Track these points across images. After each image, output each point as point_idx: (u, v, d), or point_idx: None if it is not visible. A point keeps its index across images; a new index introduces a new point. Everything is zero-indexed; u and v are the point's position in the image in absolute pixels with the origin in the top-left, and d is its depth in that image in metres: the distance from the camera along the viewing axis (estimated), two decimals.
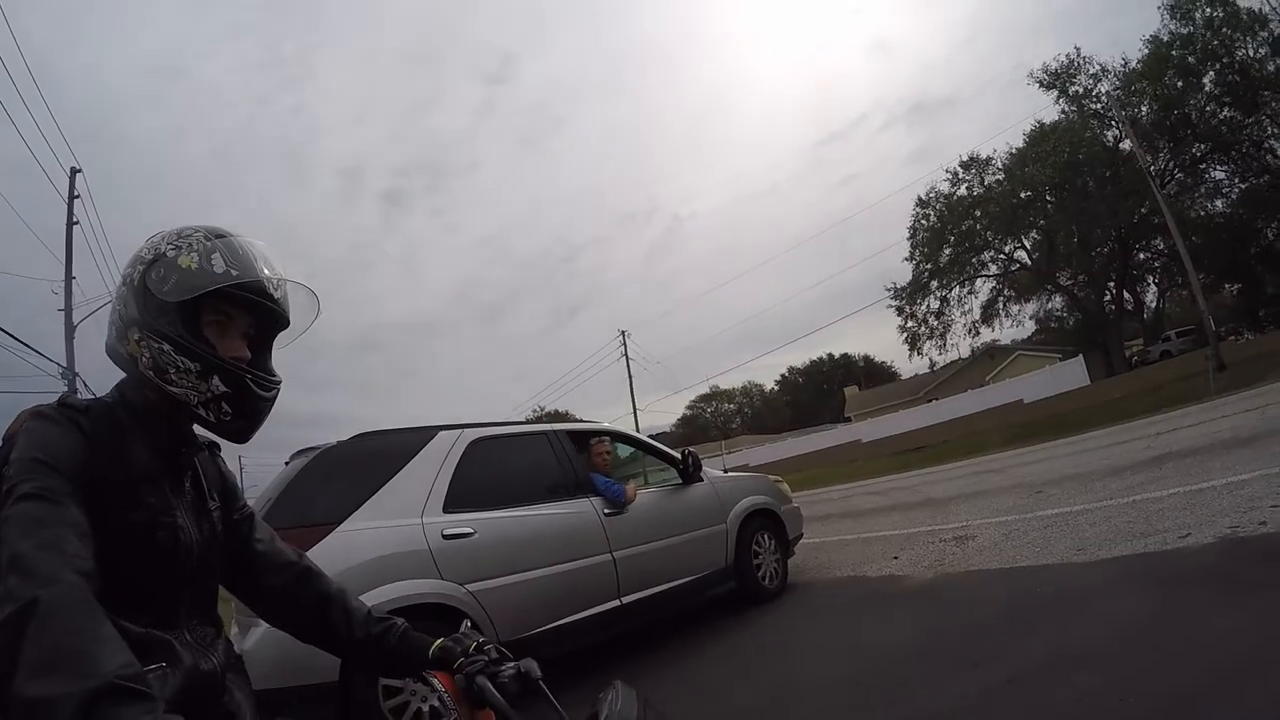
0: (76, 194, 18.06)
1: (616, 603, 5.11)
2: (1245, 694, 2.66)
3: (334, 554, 4.00)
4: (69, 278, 17.64)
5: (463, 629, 1.41)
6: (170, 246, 1.20)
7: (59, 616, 0.83)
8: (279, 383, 1.29)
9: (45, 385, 16.55)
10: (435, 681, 1.28)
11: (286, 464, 4.79)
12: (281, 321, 1.31)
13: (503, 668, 1.26)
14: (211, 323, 1.21)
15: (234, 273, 1.19)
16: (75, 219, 18.02)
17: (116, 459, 1.13)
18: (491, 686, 1.21)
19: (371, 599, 3.91)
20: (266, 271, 1.23)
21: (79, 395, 1.23)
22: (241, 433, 1.27)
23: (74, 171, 18.08)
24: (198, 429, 1.28)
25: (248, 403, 1.23)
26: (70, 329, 18.04)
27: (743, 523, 6.35)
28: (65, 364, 17.36)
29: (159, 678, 1.06)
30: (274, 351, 1.34)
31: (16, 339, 15.33)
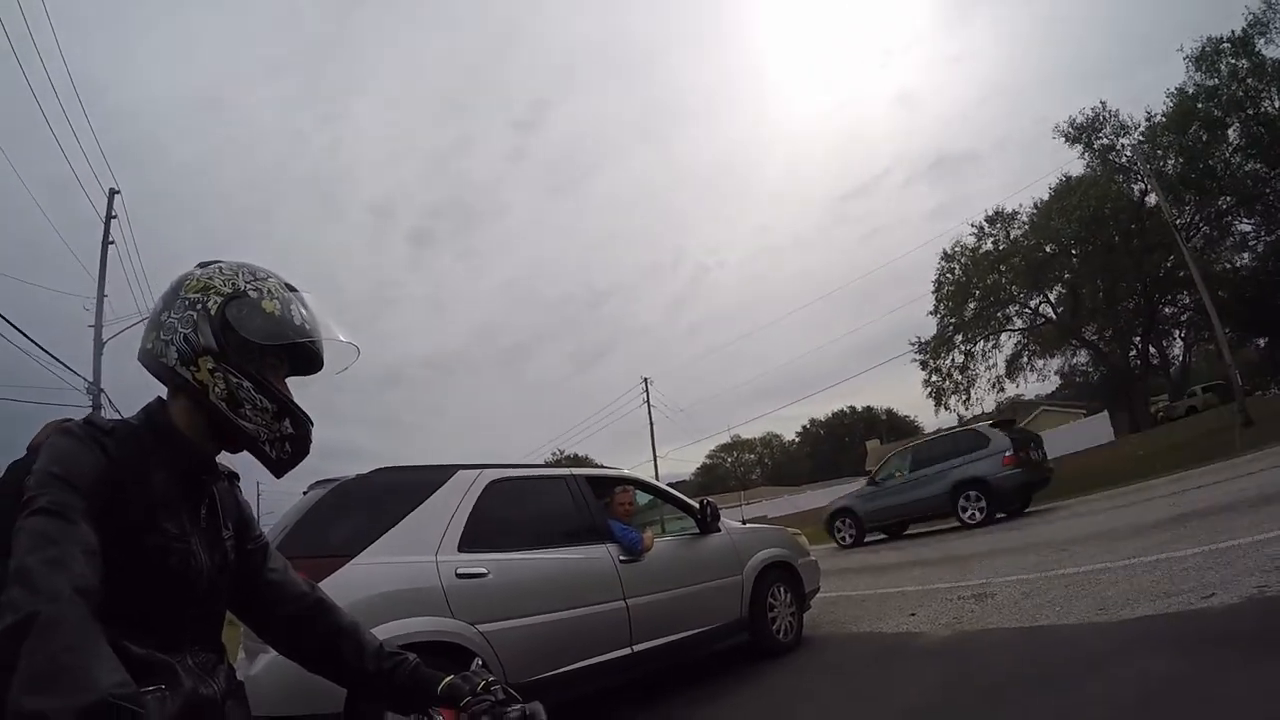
0: (114, 214, 18.55)
1: (628, 650, 5.06)
2: None
3: (347, 587, 3.99)
4: (101, 295, 18.00)
5: (473, 667, 1.42)
6: (251, 287, 1.29)
7: (57, 632, 0.85)
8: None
9: (71, 399, 16.84)
10: (440, 718, 1.30)
11: (305, 494, 4.82)
12: (316, 370, 1.43)
13: (508, 709, 1.26)
14: (270, 366, 1.31)
15: (308, 329, 1.32)
16: (111, 239, 18.48)
17: (137, 481, 1.16)
18: None
19: (382, 634, 3.83)
20: (321, 332, 1.35)
21: (103, 412, 1.30)
22: (286, 469, 1.36)
23: (113, 193, 18.57)
24: (221, 458, 1.36)
25: (304, 443, 1.34)
26: (99, 346, 18.31)
27: (759, 575, 6.29)
28: (92, 379, 17.61)
29: (158, 699, 1.08)
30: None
31: (47, 352, 15.62)
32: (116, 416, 1.31)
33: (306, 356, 1.38)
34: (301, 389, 1.40)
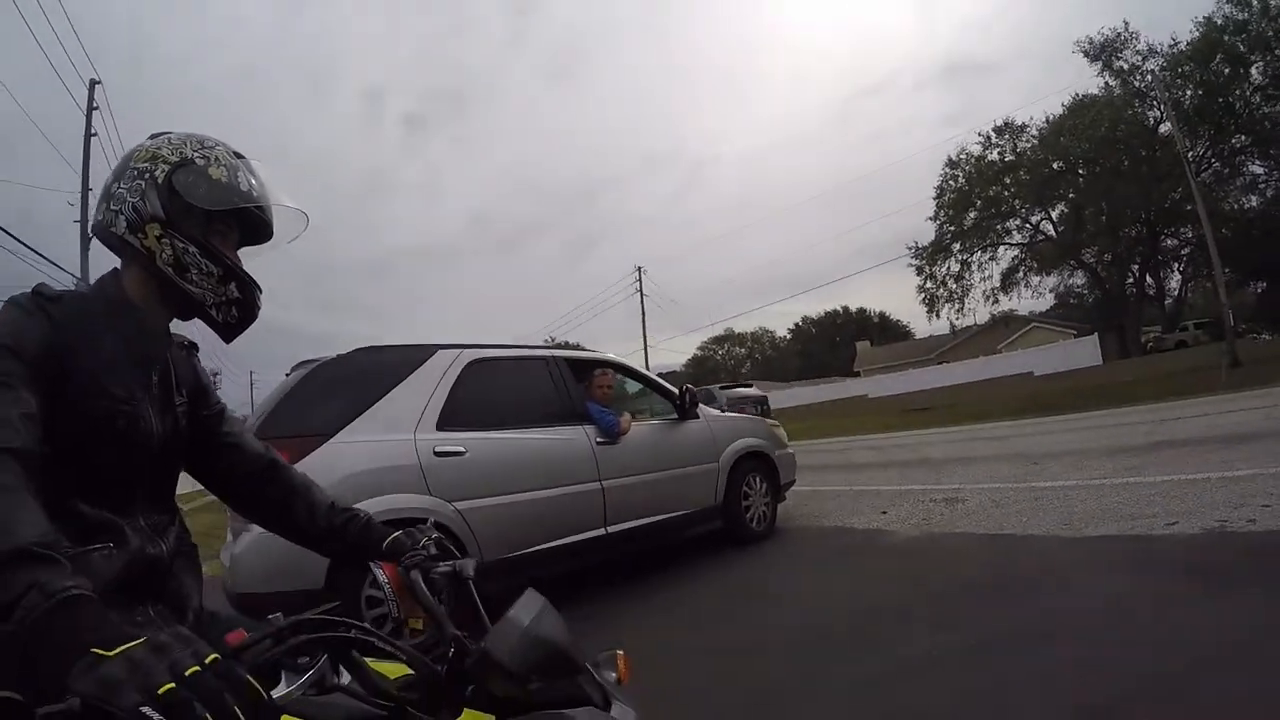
0: (95, 106, 17.96)
1: (602, 531, 5.19)
2: (1213, 683, 2.68)
3: (326, 464, 4.06)
4: (85, 189, 17.59)
5: (422, 527, 1.46)
6: (198, 155, 1.30)
7: None
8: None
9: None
10: (380, 572, 1.33)
11: (288, 375, 4.83)
12: (266, 239, 1.44)
13: (439, 564, 1.32)
14: (217, 232, 1.32)
15: (255, 194, 1.32)
16: (93, 131, 17.93)
17: (83, 347, 1.18)
18: (421, 581, 1.27)
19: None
20: (270, 198, 1.36)
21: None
22: (234, 334, 1.39)
23: (93, 83, 17.98)
24: (175, 327, 1.39)
25: (251, 309, 1.36)
26: (86, 240, 17.91)
27: (735, 463, 6.36)
28: (80, 275, 17.37)
29: (104, 557, 1.14)
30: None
31: (32, 249, 15.67)
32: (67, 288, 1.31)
33: (254, 224, 1.38)
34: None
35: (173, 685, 0.66)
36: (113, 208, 1.27)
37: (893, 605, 4.32)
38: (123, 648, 0.70)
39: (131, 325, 1.28)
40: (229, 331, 1.36)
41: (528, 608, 1.11)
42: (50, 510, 0.97)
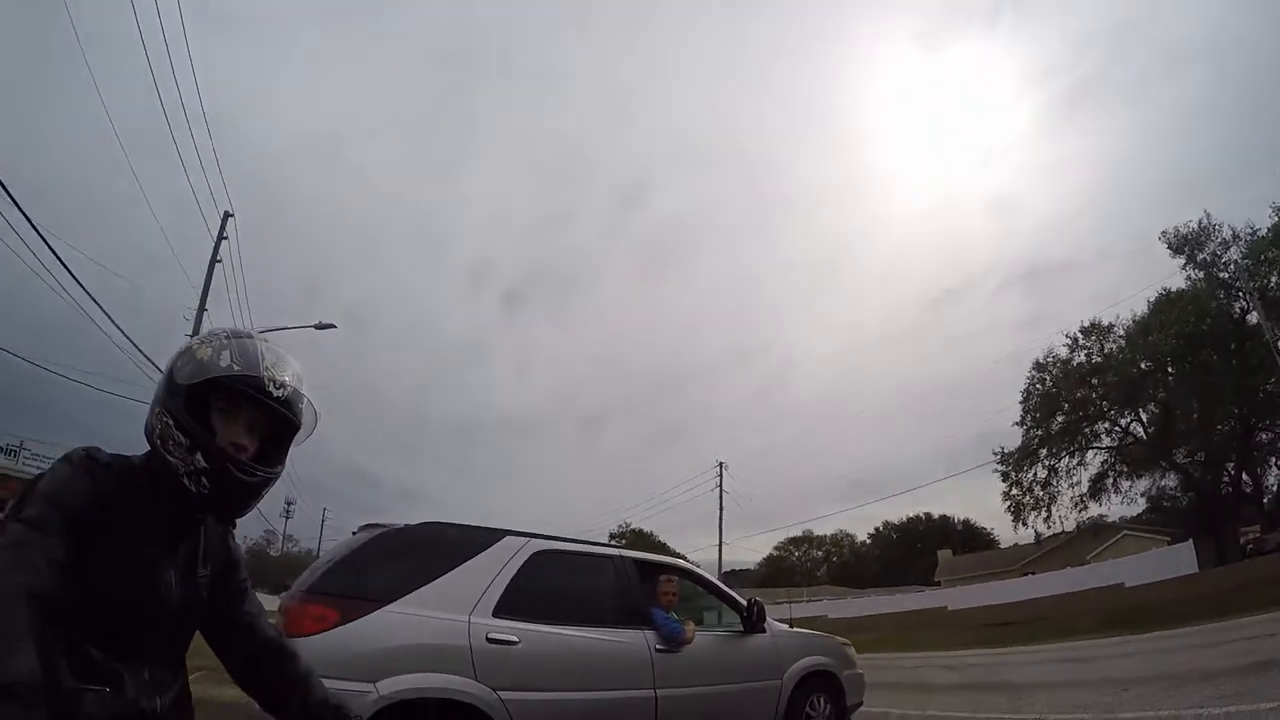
0: (225, 235, 19.46)
1: None
2: None
3: (375, 631, 4.06)
4: (201, 309, 18.74)
5: None
6: (199, 342, 1.44)
7: None
8: (267, 472, 1.44)
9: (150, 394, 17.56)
10: None
11: (354, 534, 4.90)
12: (285, 420, 1.48)
13: None
14: (219, 410, 1.40)
15: (235, 368, 1.39)
16: (219, 258, 19.33)
17: (117, 512, 1.32)
18: None
19: (402, 684, 3.96)
20: (267, 372, 1.41)
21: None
22: (225, 511, 1.48)
23: (226, 215, 19.53)
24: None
25: (225, 482, 1.38)
26: None
27: (799, 682, 6.00)
28: None
29: (99, 699, 1.25)
30: (290, 450, 1.55)
31: (139, 349, 16.76)
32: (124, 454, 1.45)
33: (246, 399, 1.41)
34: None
35: None
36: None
37: None
38: None
39: (169, 497, 1.39)
40: (205, 504, 1.41)
41: None
42: (59, 643, 1.15)
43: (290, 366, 1.47)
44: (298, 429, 1.51)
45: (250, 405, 1.42)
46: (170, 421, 1.37)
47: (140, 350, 16.60)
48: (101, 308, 15.15)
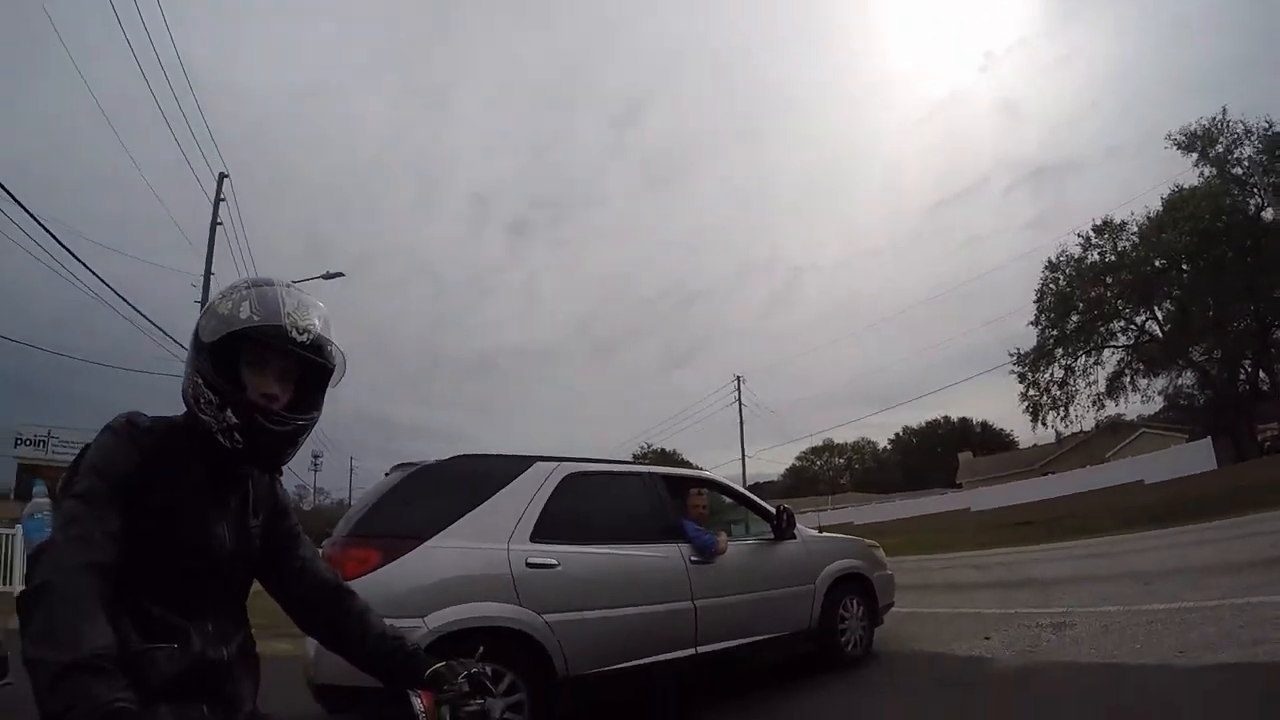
0: (223, 198, 19.33)
1: (693, 651, 5.04)
2: None
3: (419, 567, 4.14)
4: (208, 274, 18.76)
5: (465, 661, 1.57)
6: (220, 297, 1.44)
7: (62, 598, 1.09)
8: (301, 420, 1.44)
9: (177, 368, 17.90)
10: (417, 701, 1.46)
11: (386, 475, 4.97)
12: (315, 365, 1.46)
13: (468, 703, 1.45)
14: (248, 362, 1.40)
15: (255, 319, 1.38)
16: (219, 220, 19.24)
17: (166, 473, 1.35)
18: (449, 717, 1.42)
19: (448, 616, 4.06)
20: (289, 319, 1.40)
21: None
22: (263, 463, 1.50)
23: (222, 176, 19.32)
24: None
25: (258, 434, 1.39)
26: None
27: (831, 585, 6.15)
28: None
29: (168, 656, 1.29)
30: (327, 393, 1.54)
31: (152, 323, 16.98)
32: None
33: (272, 347, 1.40)
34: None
35: None
36: None
37: None
38: None
39: (213, 452, 1.40)
40: (241, 458, 1.42)
41: None
42: (124, 606, 1.18)
43: (315, 310, 1.46)
44: (330, 371, 1.50)
45: (276, 354, 1.41)
46: (200, 380, 1.39)
47: (155, 324, 16.91)
48: (115, 290, 15.36)
